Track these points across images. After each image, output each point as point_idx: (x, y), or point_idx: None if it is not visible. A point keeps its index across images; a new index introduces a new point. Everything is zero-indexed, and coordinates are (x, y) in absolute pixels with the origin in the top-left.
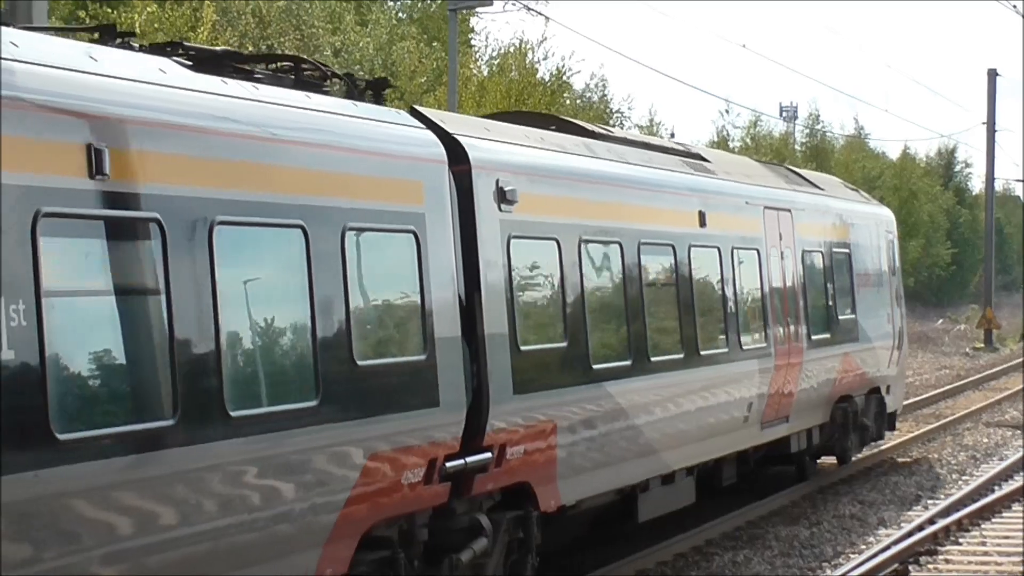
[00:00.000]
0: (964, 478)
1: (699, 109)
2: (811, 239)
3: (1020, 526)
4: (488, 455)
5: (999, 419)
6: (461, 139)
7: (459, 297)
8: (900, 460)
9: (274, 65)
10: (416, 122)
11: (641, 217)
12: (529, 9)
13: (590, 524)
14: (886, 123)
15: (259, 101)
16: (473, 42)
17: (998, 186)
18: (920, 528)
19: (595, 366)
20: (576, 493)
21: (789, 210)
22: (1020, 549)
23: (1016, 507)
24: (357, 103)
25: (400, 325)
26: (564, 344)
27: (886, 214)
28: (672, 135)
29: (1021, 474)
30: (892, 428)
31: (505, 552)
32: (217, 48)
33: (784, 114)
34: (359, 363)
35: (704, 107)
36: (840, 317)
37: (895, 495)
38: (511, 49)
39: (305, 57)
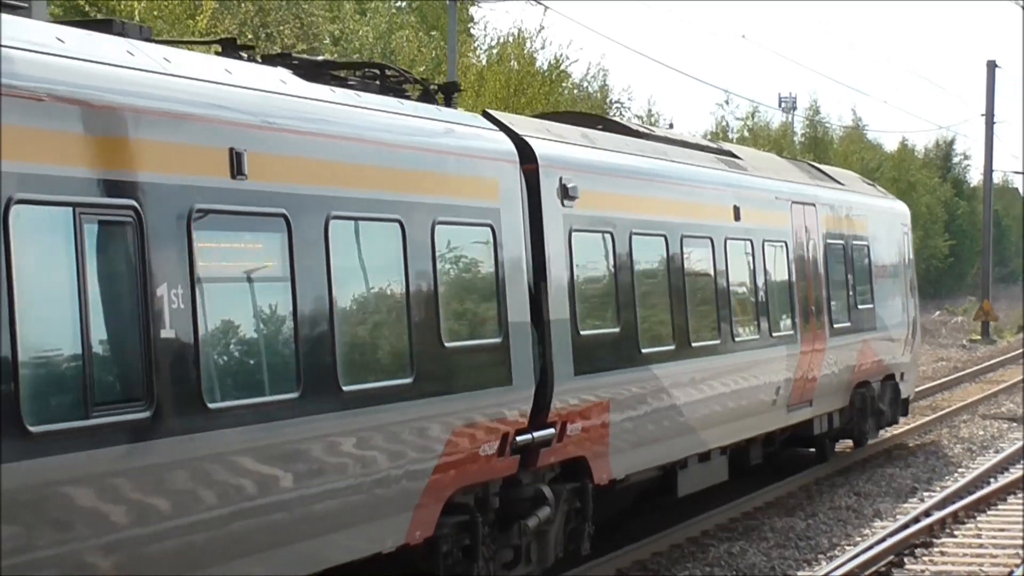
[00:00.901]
0: (960, 470)
1: (698, 100)
2: (833, 232)
3: (1016, 519)
4: (552, 431)
5: (996, 411)
6: (529, 140)
7: (528, 285)
8: (896, 452)
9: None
10: (489, 124)
11: (683, 212)
12: None
13: (633, 498)
14: (884, 114)
15: (363, 108)
16: (472, 31)
17: (996, 178)
18: (916, 520)
19: (643, 350)
20: (626, 468)
21: (814, 204)
22: (1016, 542)
23: (1012, 499)
24: (440, 108)
25: (479, 310)
26: (617, 329)
27: (901, 208)
28: (671, 126)
29: (1017, 466)
30: (905, 413)
31: (564, 520)
32: (317, 58)
33: (783, 105)
34: (446, 344)
35: (703, 98)
36: (860, 307)
37: (891, 487)
38: (510, 39)
39: (389, 64)
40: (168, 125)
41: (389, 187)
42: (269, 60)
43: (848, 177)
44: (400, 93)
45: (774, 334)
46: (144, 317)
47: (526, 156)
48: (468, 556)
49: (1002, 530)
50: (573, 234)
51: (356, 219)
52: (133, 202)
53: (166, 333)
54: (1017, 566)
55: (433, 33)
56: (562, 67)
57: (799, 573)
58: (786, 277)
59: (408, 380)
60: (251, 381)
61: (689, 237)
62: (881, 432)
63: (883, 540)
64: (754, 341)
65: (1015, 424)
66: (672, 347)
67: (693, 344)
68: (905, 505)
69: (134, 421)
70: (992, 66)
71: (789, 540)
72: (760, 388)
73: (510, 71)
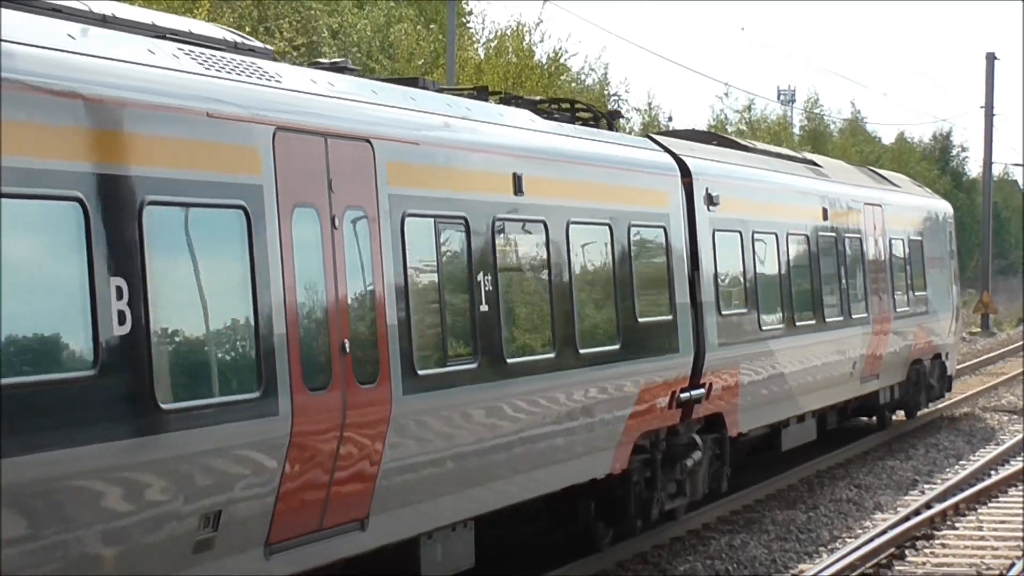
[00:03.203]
0: (961, 463)
1: (697, 93)
2: (895, 229)
3: (1017, 511)
4: (703, 390)
5: (996, 404)
6: (684, 157)
7: (687, 274)
8: (897, 444)
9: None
10: (654, 145)
11: (787, 213)
12: None
13: (745, 451)
14: (883, 107)
15: (581, 138)
16: (470, 24)
17: (996, 170)
18: (917, 512)
19: (763, 327)
20: (749, 424)
21: (880, 205)
22: (1017, 534)
23: (1013, 492)
24: (625, 135)
25: (658, 293)
26: (745, 310)
27: (945, 206)
28: (670, 119)
29: (1018, 459)
30: (950, 389)
31: (708, 464)
32: (534, 99)
33: (781, 97)
34: (639, 320)
35: (702, 91)
36: (916, 293)
37: (892, 479)
38: (508, 32)
39: (578, 100)
40: (482, 157)
41: (602, 199)
42: (506, 101)
43: (903, 180)
44: (585, 121)
45: (853, 316)
46: (471, 296)
47: (683, 171)
48: (648, 486)
49: (1003, 522)
50: (716, 234)
51: (584, 223)
52: (464, 214)
53: (483, 308)
54: (1019, 558)
55: (431, 26)
56: (561, 60)
57: (800, 566)
58: (861, 267)
59: (617, 347)
60: (528, 344)
61: (792, 235)
62: (895, 414)
63: (884, 532)
64: (838, 321)
65: (1015, 416)
66: (782, 325)
67: (796, 323)
68: (906, 497)
69: (469, 371)
70: (991, 58)
71: (790, 533)
72: (843, 362)
73: (508, 64)
